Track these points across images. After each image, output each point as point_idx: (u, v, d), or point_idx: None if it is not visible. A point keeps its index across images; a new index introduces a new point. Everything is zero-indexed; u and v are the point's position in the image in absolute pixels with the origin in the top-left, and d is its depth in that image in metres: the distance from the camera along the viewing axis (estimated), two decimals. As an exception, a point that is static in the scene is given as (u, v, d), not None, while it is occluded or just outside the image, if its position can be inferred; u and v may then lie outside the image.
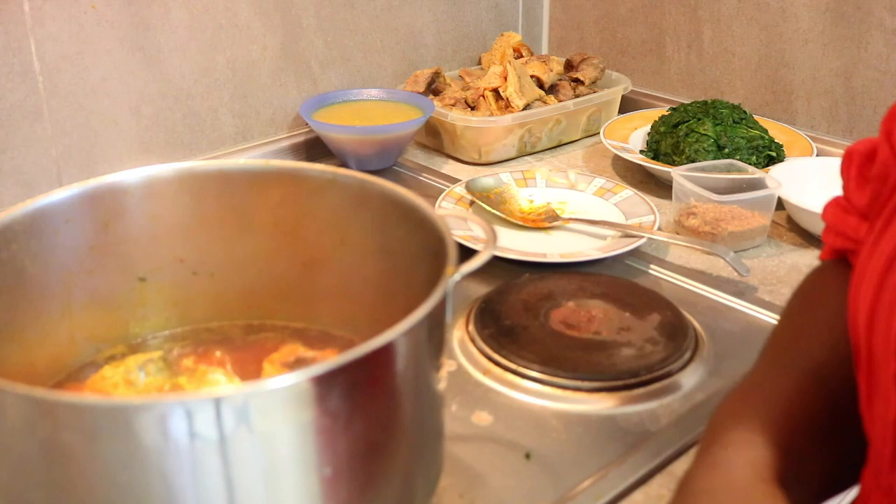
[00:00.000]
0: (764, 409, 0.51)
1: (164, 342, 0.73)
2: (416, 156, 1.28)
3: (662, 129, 1.20)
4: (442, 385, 0.59)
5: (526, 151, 1.28)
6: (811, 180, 1.08)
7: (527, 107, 1.25)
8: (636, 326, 0.83)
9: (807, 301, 0.62)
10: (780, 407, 0.51)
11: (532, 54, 1.40)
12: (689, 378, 0.79)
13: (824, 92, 1.25)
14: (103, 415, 0.46)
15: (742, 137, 1.15)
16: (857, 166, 0.59)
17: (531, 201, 1.10)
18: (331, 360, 0.48)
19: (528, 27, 1.54)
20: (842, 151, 1.18)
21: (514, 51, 1.41)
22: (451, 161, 1.27)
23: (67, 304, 0.68)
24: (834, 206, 0.62)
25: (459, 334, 0.84)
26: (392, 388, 0.53)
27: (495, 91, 1.27)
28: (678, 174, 1.04)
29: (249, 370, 0.69)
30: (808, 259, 1.00)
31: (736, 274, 0.95)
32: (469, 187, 1.09)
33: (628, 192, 1.09)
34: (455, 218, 0.99)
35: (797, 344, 0.57)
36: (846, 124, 1.24)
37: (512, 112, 1.24)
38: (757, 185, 1.03)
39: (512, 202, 1.09)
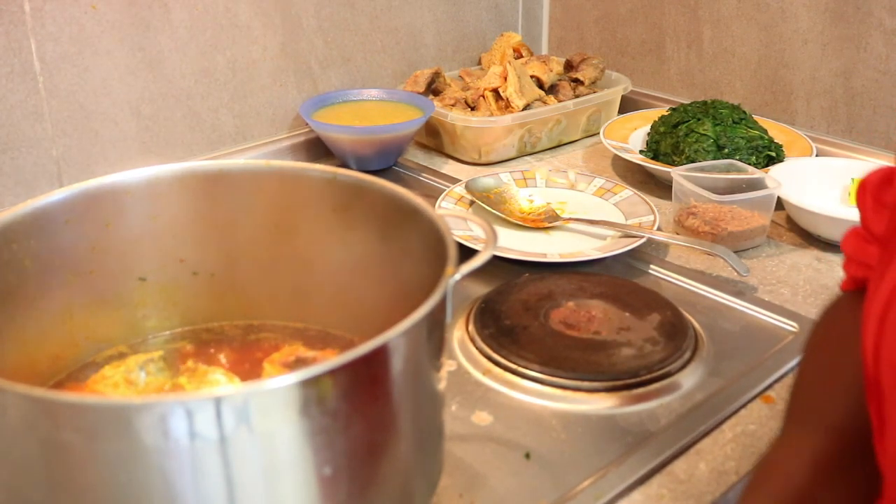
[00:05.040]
0: (791, 477, 0.51)
1: (165, 342, 0.73)
2: (416, 156, 1.29)
3: (662, 129, 1.20)
4: (442, 385, 0.59)
5: (526, 151, 1.28)
6: (811, 180, 1.08)
7: (527, 107, 1.25)
8: (636, 326, 0.83)
9: (828, 351, 0.60)
10: (805, 473, 0.51)
11: (532, 54, 1.40)
12: (689, 378, 0.79)
13: (824, 92, 1.25)
14: (103, 415, 0.46)
15: (742, 137, 1.15)
16: (872, 193, 0.58)
17: (531, 201, 1.10)
18: (331, 360, 0.48)
19: (528, 27, 1.54)
20: (841, 152, 1.20)
21: (514, 51, 1.41)
22: (451, 161, 1.27)
23: (67, 303, 0.68)
24: (853, 236, 0.61)
25: (459, 334, 0.84)
26: (392, 388, 0.53)
27: (495, 91, 1.27)
28: (678, 174, 1.04)
29: (249, 370, 0.69)
30: (808, 259, 1.00)
31: (735, 274, 0.95)
32: (469, 187, 1.09)
33: (628, 192, 1.10)
34: (455, 218, 0.99)
35: (822, 404, 0.55)
36: (845, 124, 1.24)
37: (512, 112, 1.24)
38: (756, 185, 1.03)
39: (512, 202, 1.09)
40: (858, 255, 0.59)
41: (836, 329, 0.60)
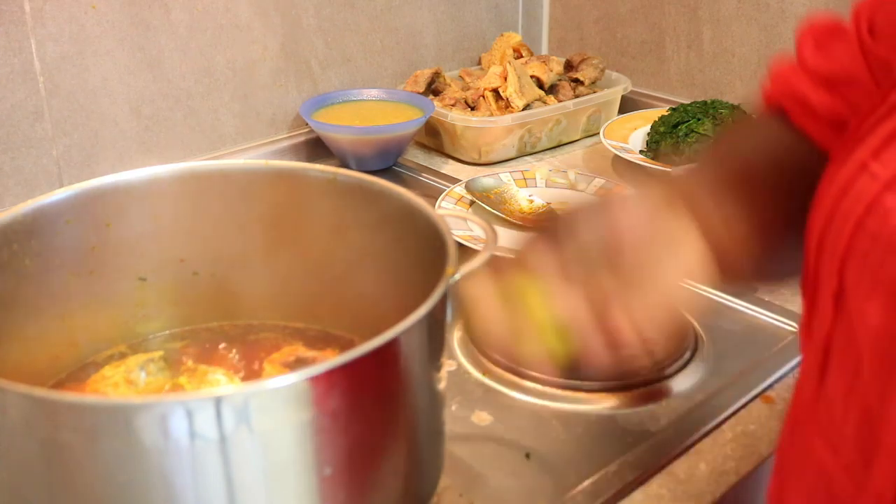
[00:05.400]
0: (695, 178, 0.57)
1: (165, 342, 0.73)
2: (416, 156, 1.29)
3: (662, 129, 1.20)
4: (442, 385, 0.59)
5: (526, 151, 1.28)
6: (811, 180, 1.08)
7: (527, 107, 1.25)
8: (636, 326, 0.83)
9: (737, 133, 0.64)
10: (705, 190, 0.55)
11: (532, 54, 1.40)
12: (689, 378, 0.79)
13: (824, 92, 1.25)
14: (103, 415, 0.46)
15: (742, 137, 1.15)
16: (814, 35, 0.59)
17: (531, 201, 1.10)
18: (331, 360, 0.48)
19: (528, 27, 1.54)
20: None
21: (514, 51, 1.41)
22: (451, 161, 1.27)
23: (68, 303, 0.68)
24: (784, 65, 0.61)
25: (459, 334, 0.84)
26: (392, 388, 0.53)
27: (495, 91, 1.27)
28: (678, 174, 1.04)
29: (249, 370, 0.70)
30: (808, 259, 1.00)
31: (736, 274, 0.95)
32: (469, 187, 1.09)
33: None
34: (455, 218, 0.99)
35: (731, 145, 0.61)
36: (846, 124, 1.24)
37: (512, 112, 1.24)
38: (757, 185, 1.03)
39: (512, 202, 1.09)
40: (789, 77, 0.59)
41: (747, 126, 0.64)
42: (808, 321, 0.45)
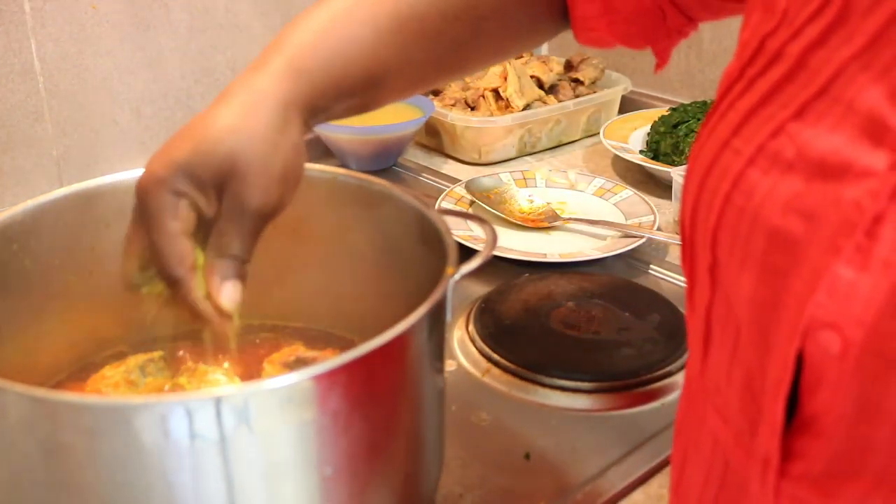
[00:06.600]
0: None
1: (165, 342, 0.73)
2: (416, 156, 1.29)
3: (662, 129, 1.20)
4: (442, 385, 0.59)
5: (526, 151, 1.28)
6: (811, 180, 1.08)
7: (527, 107, 1.25)
8: (636, 326, 0.83)
9: None
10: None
11: (532, 54, 1.40)
12: (689, 378, 0.79)
13: (824, 92, 1.25)
14: (103, 415, 0.46)
15: (742, 137, 1.15)
16: None
17: (531, 201, 1.10)
18: (331, 360, 0.48)
19: (528, 27, 1.54)
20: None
21: (514, 51, 1.41)
22: (451, 161, 1.27)
23: (67, 303, 0.68)
24: None
25: (459, 334, 0.84)
26: (392, 387, 0.53)
27: (495, 91, 1.27)
28: (678, 174, 1.04)
29: (249, 370, 0.69)
30: (808, 259, 1.00)
31: (736, 274, 0.95)
32: (469, 187, 1.09)
33: (628, 192, 1.10)
34: (455, 218, 0.99)
35: None
36: (846, 124, 1.24)
37: (512, 112, 1.24)
38: (757, 185, 1.03)
39: (512, 202, 1.09)
40: None
41: None
42: (690, 294, 0.46)
